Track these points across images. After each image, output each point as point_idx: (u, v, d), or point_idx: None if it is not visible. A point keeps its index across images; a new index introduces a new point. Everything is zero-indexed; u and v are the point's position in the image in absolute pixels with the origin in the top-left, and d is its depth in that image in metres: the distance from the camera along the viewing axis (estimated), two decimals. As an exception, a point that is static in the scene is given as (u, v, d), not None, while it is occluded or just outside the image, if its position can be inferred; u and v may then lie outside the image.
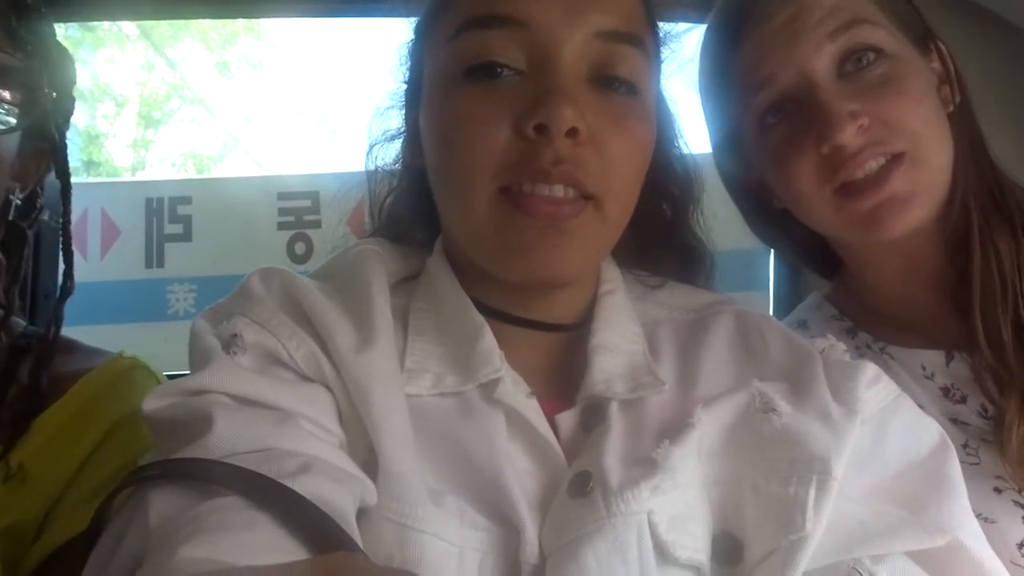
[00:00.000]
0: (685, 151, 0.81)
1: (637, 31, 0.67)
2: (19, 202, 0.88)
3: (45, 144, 0.90)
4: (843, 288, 1.02)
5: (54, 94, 0.88)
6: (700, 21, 0.94)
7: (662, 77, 0.76)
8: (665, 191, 0.80)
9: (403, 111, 0.80)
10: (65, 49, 0.92)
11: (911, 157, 0.82)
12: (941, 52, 0.91)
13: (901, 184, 0.82)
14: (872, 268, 0.95)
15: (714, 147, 0.99)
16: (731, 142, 0.95)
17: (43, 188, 0.93)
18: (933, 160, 0.84)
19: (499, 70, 0.64)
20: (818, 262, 1.06)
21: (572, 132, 0.61)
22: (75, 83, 0.94)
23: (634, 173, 0.67)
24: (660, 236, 0.81)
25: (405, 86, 0.79)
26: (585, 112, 0.62)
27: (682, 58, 0.80)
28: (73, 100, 0.94)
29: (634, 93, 0.66)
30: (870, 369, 0.68)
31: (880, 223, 0.83)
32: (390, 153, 0.83)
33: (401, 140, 0.81)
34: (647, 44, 0.68)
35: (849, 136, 0.80)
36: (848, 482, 0.60)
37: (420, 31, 0.76)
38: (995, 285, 0.84)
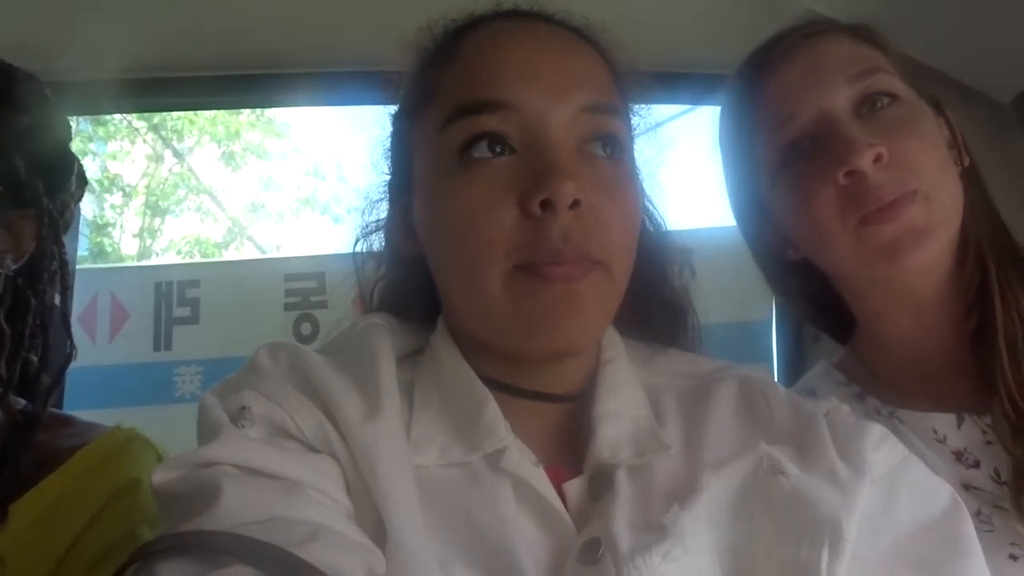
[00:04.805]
0: (653, 211, 0.84)
1: (614, 101, 0.70)
2: (11, 273, 0.85)
3: (32, 210, 0.86)
4: (852, 355, 1.02)
5: (29, 160, 0.84)
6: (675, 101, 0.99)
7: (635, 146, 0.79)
8: (641, 250, 0.81)
9: (388, 201, 0.81)
10: (52, 109, 0.89)
11: (924, 194, 0.84)
12: (948, 120, 0.95)
13: (918, 216, 0.83)
14: (885, 322, 0.95)
15: (733, 202, 1.02)
16: (751, 194, 0.98)
17: (48, 255, 0.88)
18: (945, 201, 0.86)
19: (496, 148, 0.66)
20: (831, 322, 1.07)
21: (575, 204, 0.63)
22: (66, 142, 0.91)
23: (631, 235, 0.69)
24: (641, 295, 0.80)
25: (390, 177, 0.81)
26: (582, 184, 0.64)
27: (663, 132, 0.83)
28: (66, 159, 0.91)
29: (620, 157, 0.69)
30: (876, 429, 0.68)
31: (900, 252, 0.83)
32: (376, 240, 0.84)
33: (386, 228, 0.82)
34: (623, 113, 0.72)
35: (867, 161, 0.82)
36: (862, 545, 0.59)
37: (405, 122, 0.77)
38: (1017, 333, 0.85)
